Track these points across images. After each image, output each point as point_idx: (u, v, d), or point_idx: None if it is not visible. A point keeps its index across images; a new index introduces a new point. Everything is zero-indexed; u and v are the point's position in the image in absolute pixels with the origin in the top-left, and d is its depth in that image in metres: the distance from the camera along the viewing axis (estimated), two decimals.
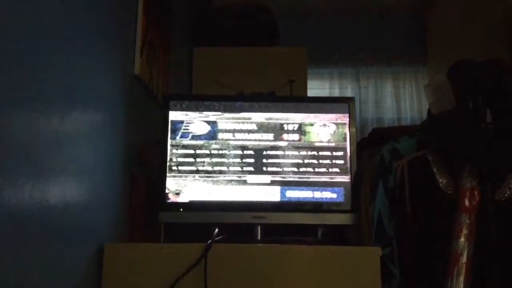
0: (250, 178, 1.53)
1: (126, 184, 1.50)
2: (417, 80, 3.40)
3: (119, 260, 1.31)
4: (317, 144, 1.55)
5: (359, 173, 1.56)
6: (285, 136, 1.56)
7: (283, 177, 1.53)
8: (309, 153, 1.55)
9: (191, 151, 1.53)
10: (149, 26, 1.73)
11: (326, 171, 1.54)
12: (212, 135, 1.55)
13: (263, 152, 1.54)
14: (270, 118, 1.57)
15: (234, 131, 1.56)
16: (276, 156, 1.54)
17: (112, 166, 1.40)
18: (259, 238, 1.50)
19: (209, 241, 1.30)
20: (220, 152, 1.54)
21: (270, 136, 1.56)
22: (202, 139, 1.55)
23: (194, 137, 1.55)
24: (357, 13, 3.37)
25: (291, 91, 2.19)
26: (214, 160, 1.53)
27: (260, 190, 1.52)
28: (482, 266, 1.30)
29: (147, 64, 1.70)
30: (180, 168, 1.52)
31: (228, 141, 1.55)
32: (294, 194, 1.53)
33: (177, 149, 1.53)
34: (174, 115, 1.55)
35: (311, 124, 1.57)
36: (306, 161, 1.54)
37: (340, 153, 1.55)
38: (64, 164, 1.09)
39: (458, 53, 2.62)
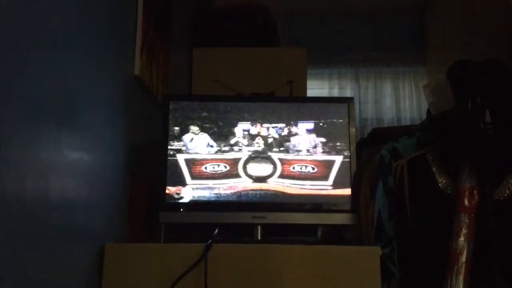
0: (250, 177, 1.53)
1: (127, 184, 1.50)
2: (416, 80, 3.40)
3: (120, 260, 1.31)
4: (316, 144, 1.56)
5: (359, 173, 1.57)
6: (284, 136, 1.56)
7: (284, 177, 1.53)
8: (309, 152, 1.55)
9: (192, 151, 1.54)
10: (149, 27, 1.73)
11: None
12: (211, 136, 1.55)
13: (263, 152, 1.55)
14: (270, 119, 1.57)
15: (233, 132, 1.56)
16: (276, 156, 1.55)
17: (112, 166, 1.41)
18: (259, 238, 1.50)
19: (209, 241, 1.31)
20: (221, 152, 1.54)
21: (270, 136, 1.56)
22: (202, 140, 1.55)
23: (195, 137, 1.55)
24: (356, 14, 3.38)
25: (291, 92, 2.19)
26: (215, 159, 1.54)
27: (261, 188, 1.52)
28: (482, 265, 1.30)
29: (147, 65, 1.70)
30: (180, 168, 1.53)
31: (228, 141, 1.55)
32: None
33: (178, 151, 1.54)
34: (174, 116, 1.56)
35: (311, 124, 1.57)
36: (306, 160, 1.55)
37: (340, 153, 1.55)
38: (64, 164, 1.09)
39: (457, 53, 2.63)
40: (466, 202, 1.33)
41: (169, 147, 1.54)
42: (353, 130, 1.57)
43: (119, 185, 1.45)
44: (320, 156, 1.55)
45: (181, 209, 1.51)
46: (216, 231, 1.36)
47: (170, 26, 2.10)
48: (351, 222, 1.51)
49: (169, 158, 1.53)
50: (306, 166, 1.54)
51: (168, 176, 1.52)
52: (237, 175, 1.53)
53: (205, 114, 1.57)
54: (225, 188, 1.53)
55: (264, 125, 1.57)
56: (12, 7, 0.88)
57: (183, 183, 1.52)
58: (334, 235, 1.62)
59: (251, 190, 1.53)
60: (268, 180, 1.53)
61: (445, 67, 1.47)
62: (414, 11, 3.41)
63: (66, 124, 1.10)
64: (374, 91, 3.41)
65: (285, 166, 1.54)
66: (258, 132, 1.57)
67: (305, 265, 1.31)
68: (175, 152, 1.54)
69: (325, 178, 1.53)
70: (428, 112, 1.53)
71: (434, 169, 1.43)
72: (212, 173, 1.53)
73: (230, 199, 1.52)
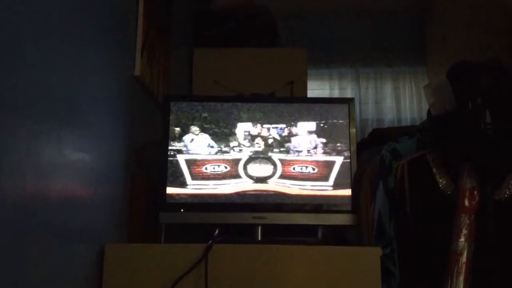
0: (251, 177, 1.53)
1: (127, 185, 1.50)
2: (417, 80, 3.40)
3: (120, 260, 1.31)
4: (317, 144, 1.56)
5: (359, 173, 1.57)
6: (285, 137, 1.56)
7: (284, 177, 1.53)
8: (309, 153, 1.55)
9: (192, 152, 1.54)
10: (149, 27, 1.73)
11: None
12: (212, 136, 1.55)
13: (263, 152, 1.55)
14: (270, 119, 1.57)
15: (234, 132, 1.56)
16: (276, 157, 1.55)
17: (112, 167, 1.41)
18: (259, 238, 1.50)
19: (210, 242, 1.31)
20: (221, 152, 1.54)
21: (270, 137, 1.56)
22: (203, 140, 1.55)
23: (195, 138, 1.55)
24: (357, 14, 3.38)
25: (291, 92, 2.19)
26: (215, 160, 1.54)
27: (261, 189, 1.52)
28: (482, 266, 1.30)
29: (147, 66, 1.70)
30: (181, 169, 1.53)
31: (229, 142, 1.55)
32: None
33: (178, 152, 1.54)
34: (174, 116, 1.56)
35: (311, 125, 1.57)
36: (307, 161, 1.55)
37: (340, 154, 1.55)
38: (65, 165, 1.09)
39: (458, 54, 2.63)
40: (467, 203, 1.33)
41: (169, 147, 1.54)
42: (353, 130, 1.57)
43: (119, 185, 1.45)
44: (321, 157, 1.55)
45: (181, 210, 1.51)
46: (217, 231, 1.36)
47: (170, 27, 2.10)
48: (351, 223, 1.51)
49: (169, 158, 1.53)
50: (306, 167, 1.54)
51: (168, 176, 1.52)
52: (238, 176, 1.54)
53: (205, 114, 1.57)
54: (226, 188, 1.53)
55: (265, 125, 1.57)
56: (12, 7, 0.88)
57: (183, 183, 1.52)
58: (335, 236, 1.62)
59: (252, 190, 1.53)
60: (268, 180, 1.53)
61: (446, 67, 1.47)
62: (415, 11, 3.40)
63: (66, 124, 1.10)
64: (375, 91, 3.40)
65: (286, 166, 1.55)
66: (259, 133, 1.57)
67: (305, 265, 1.31)
68: (175, 153, 1.54)
69: (326, 178, 1.53)
70: (429, 112, 1.53)
71: (434, 170, 1.43)
72: (213, 174, 1.53)
73: (231, 199, 1.52)
